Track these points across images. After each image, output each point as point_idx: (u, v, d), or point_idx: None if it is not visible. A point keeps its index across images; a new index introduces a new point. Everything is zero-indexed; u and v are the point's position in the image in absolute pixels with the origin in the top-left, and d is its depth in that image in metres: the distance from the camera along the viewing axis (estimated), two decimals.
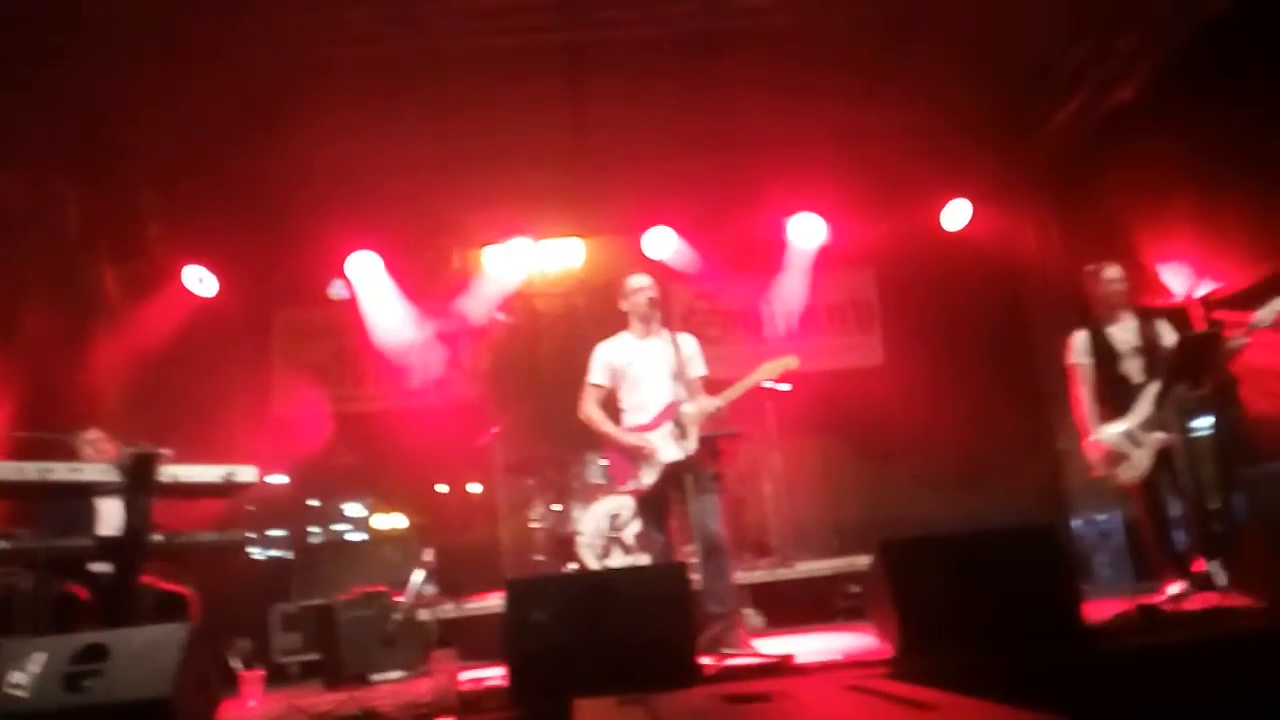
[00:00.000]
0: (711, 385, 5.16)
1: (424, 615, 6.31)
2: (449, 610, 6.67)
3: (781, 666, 4.09)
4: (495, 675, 4.16)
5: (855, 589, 6.86)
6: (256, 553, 7.53)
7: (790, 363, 5.14)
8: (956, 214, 8.36)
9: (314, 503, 7.79)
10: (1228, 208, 6.65)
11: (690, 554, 4.91)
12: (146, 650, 3.48)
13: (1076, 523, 8.19)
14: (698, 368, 5.17)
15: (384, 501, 7.79)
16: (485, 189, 7.96)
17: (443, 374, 8.61)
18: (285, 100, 6.81)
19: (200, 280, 7.94)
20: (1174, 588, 4.97)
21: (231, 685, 5.09)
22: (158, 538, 4.44)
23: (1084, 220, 7.97)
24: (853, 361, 8.86)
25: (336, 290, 8.35)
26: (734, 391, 5.03)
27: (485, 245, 8.48)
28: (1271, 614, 3.88)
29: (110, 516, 4.58)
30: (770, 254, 8.68)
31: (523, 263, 8.43)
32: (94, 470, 4.36)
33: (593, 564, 6.66)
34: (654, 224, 8.30)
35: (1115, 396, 5.39)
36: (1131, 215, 7.49)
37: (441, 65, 6.82)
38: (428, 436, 7.89)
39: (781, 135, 7.69)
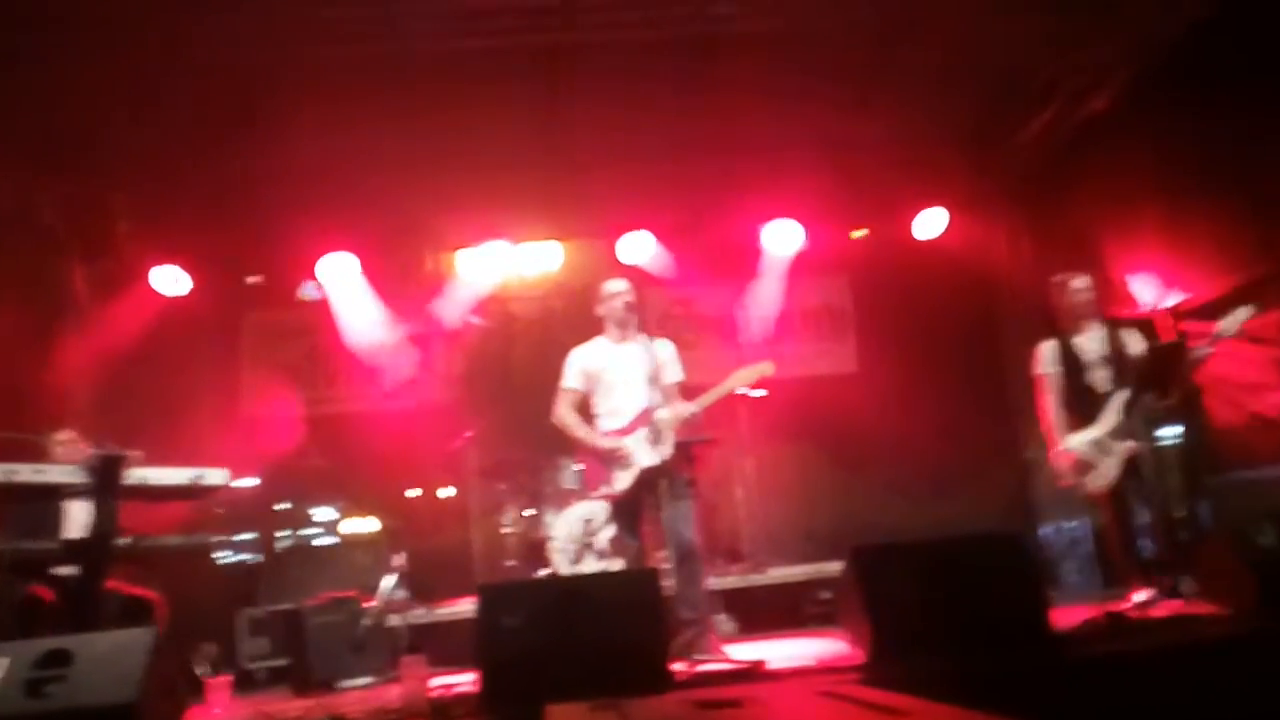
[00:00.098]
0: (686, 390, 5.17)
1: (394, 620, 6.26)
2: (420, 615, 6.63)
3: (753, 672, 4.09)
4: (466, 681, 4.13)
5: (827, 595, 6.88)
6: (223, 556, 7.48)
7: (765, 369, 5.16)
8: (930, 223, 8.42)
9: (283, 506, 7.71)
10: (1196, 220, 6.74)
11: (663, 559, 4.91)
12: (111, 655, 3.42)
13: (1044, 530, 8.27)
14: (673, 373, 5.17)
15: (354, 505, 7.73)
16: (461, 191, 7.93)
17: (416, 377, 8.57)
18: (259, 100, 6.75)
19: (171, 280, 7.85)
20: (1140, 595, 5.02)
21: (198, 691, 5.03)
22: (124, 540, 4.38)
23: (1055, 230, 8.06)
24: (826, 368, 8.90)
25: (308, 291, 8.29)
26: (709, 397, 5.04)
27: (460, 248, 8.44)
28: (1236, 621, 3.93)
29: (78, 519, 4.51)
30: (746, 260, 8.71)
31: (498, 266, 8.39)
32: (60, 472, 4.29)
33: (565, 569, 6.64)
34: (630, 228, 8.30)
35: (1082, 406, 5.44)
36: (1101, 226, 7.59)
37: (417, 66, 6.78)
38: (400, 440, 7.85)
39: (757, 141, 7.72)
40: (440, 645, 5.89)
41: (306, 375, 8.46)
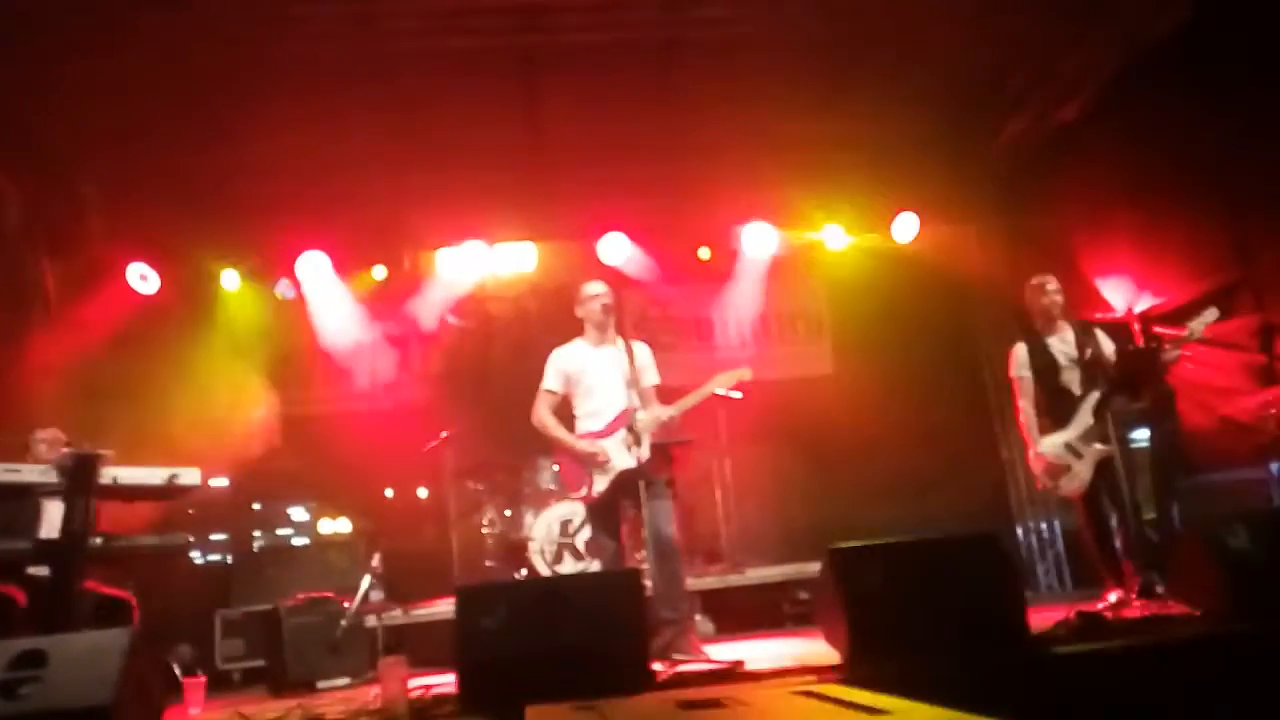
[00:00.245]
0: (663, 393, 5.18)
1: (371, 621, 6.23)
2: (397, 616, 6.60)
3: (733, 672, 4.11)
4: (445, 682, 4.12)
5: (804, 595, 6.93)
6: (197, 557, 7.42)
7: (743, 374, 5.17)
8: (905, 227, 8.48)
9: (257, 506, 7.66)
10: (1168, 225, 6.85)
11: (641, 560, 4.92)
12: (87, 656, 3.38)
13: (1019, 531, 8.36)
14: (651, 376, 5.19)
15: (330, 506, 7.69)
16: (438, 191, 7.91)
17: (392, 377, 8.53)
18: (235, 97, 6.72)
19: (142, 277, 7.77)
20: (1114, 595, 5.09)
21: (175, 692, 4.99)
22: (97, 540, 4.34)
23: (1028, 235, 8.14)
24: (803, 371, 8.95)
25: (283, 290, 8.22)
26: (688, 401, 5.05)
27: (438, 248, 8.41)
28: (1208, 621, 3.99)
29: (56, 518, 4.46)
30: (723, 262, 8.74)
31: (475, 266, 8.38)
32: (32, 471, 4.24)
33: (544, 570, 6.64)
34: (608, 230, 8.30)
35: (1055, 408, 5.48)
36: (1074, 231, 7.68)
37: (396, 65, 6.77)
38: (376, 440, 7.80)
39: (735, 144, 7.74)
40: (418, 646, 5.88)
41: (281, 375, 8.39)
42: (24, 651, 3.37)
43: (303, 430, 8.11)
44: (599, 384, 5.07)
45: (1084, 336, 5.54)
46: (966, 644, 3.67)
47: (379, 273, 8.38)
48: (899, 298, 8.45)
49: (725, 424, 7.74)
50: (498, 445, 7.47)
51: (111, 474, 4.26)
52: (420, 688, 4.09)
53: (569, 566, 6.66)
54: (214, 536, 7.67)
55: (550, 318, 7.53)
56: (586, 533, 6.56)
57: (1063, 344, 5.56)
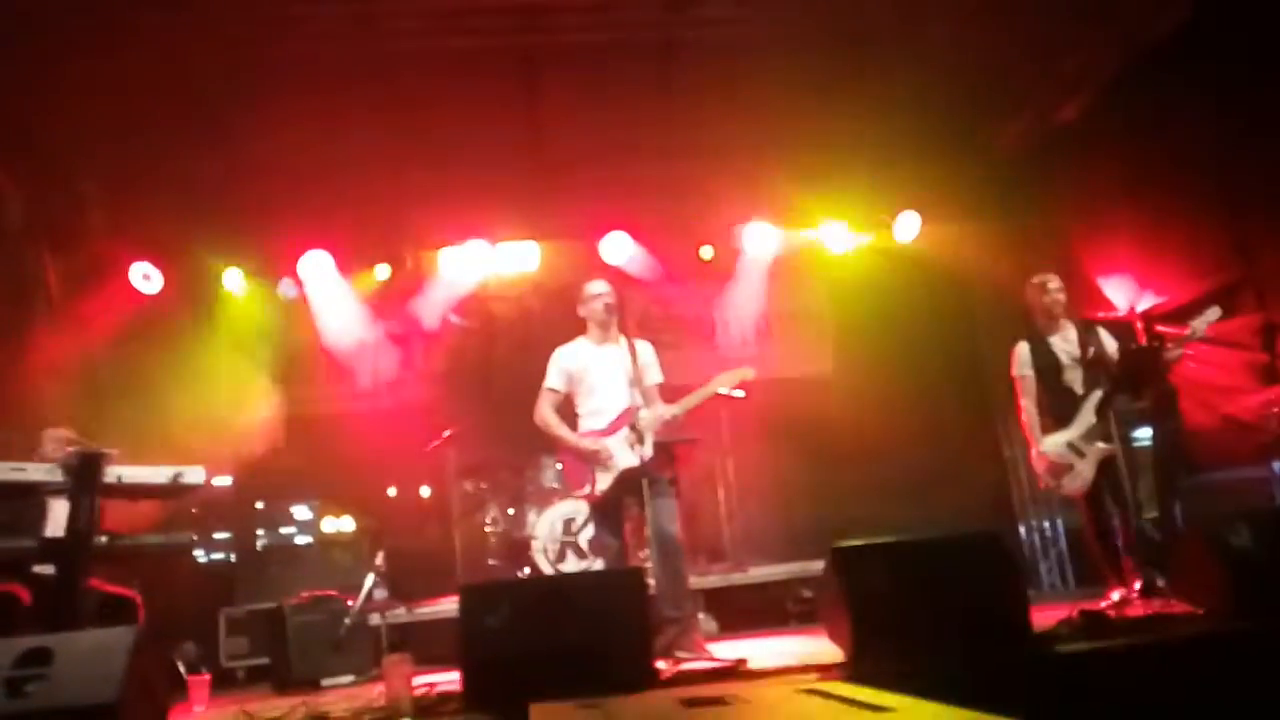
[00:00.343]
0: (666, 392, 5.19)
1: (375, 620, 6.24)
2: (401, 615, 6.62)
3: (736, 670, 4.12)
4: (449, 680, 4.13)
5: (807, 594, 6.94)
6: (200, 555, 7.43)
7: (746, 374, 5.18)
8: (907, 226, 8.48)
9: (260, 505, 7.68)
10: (1169, 224, 6.85)
11: (644, 559, 4.93)
12: (92, 654, 3.39)
13: (1022, 529, 8.36)
14: (654, 374, 5.19)
15: (333, 505, 7.70)
16: (441, 191, 7.91)
17: (395, 376, 8.54)
18: (237, 96, 6.74)
19: (145, 276, 7.78)
20: (1116, 594, 5.09)
21: (179, 690, 5.01)
22: (101, 539, 4.35)
23: (1030, 234, 8.14)
24: (805, 370, 8.95)
25: (286, 289, 8.23)
26: (691, 400, 5.06)
27: (440, 247, 8.42)
28: (1210, 620, 3.99)
29: (61, 517, 4.47)
30: (725, 261, 8.74)
31: (478, 265, 8.38)
32: (38, 470, 4.26)
33: (547, 569, 6.66)
34: (610, 229, 8.31)
35: (1058, 407, 5.48)
36: (1076, 230, 7.68)
37: (397, 65, 6.78)
38: (379, 439, 7.82)
39: (737, 143, 7.74)
40: (421, 645, 5.89)
41: (284, 374, 8.39)
42: (30, 649, 3.38)
43: (306, 429, 8.11)
44: (602, 383, 5.08)
45: (1086, 335, 5.53)
46: (969, 642, 3.68)
47: (382, 272, 8.38)
48: (901, 297, 8.45)
49: (728, 423, 7.75)
50: (500, 444, 7.48)
51: (116, 473, 4.27)
52: (424, 685, 4.10)
53: (572, 565, 6.68)
54: (217, 535, 7.68)
55: (553, 317, 7.54)
56: (589, 531, 6.57)
57: (1065, 343, 5.55)
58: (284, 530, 7.61)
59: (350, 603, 6.07)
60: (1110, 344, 5.52)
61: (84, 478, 4.18)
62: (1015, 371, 5.65)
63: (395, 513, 8.08)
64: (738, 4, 6.61)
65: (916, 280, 8.46)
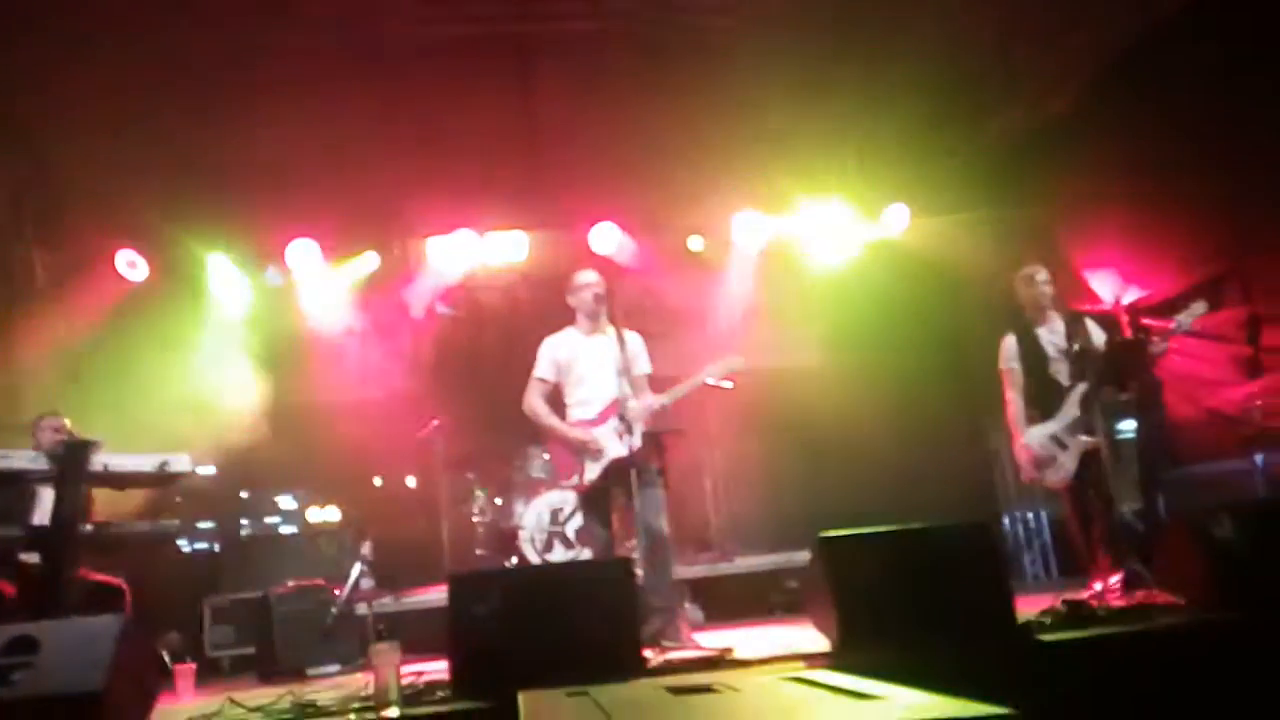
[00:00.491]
0: (655, 382, 5.20)
1: (362, 609, 6.24)
2: (388, 604, 6.62)
3: (722, 659, 4.14)
4: (436, 669, 4.14)
5: (792, 584, 6.97)
6: (183, 545, 7.41)
7: (736, 363, 5.20)
8: (896, 217, 8.49)
9: (244, 494, 7.65)
10: (1156, 218, 6.88)
11: (631, 549, 4.94)
12: (78, 642, 3.38)
13: (1006, 520, 8.41)
14: (643, 365, 5.20)
15: (319, 494, 7.69)
16: (429, 180, 7.87)
17: (382, 366, 8.51)
18: (225, 84, 6.69)
19: (130, 264, 7.73)
20: (1099, 584, 5.13)
21: (167, 679, 5.00)
22: (88, 527, 4.34)
23: (1018, 226, 8.17)
24: (793, 361, 8.95)
25: (272, 277, 8.19)
26: (680, 390, 5.07)
27: (428, 236, 8.39)
28: (1193, 610, 4.03)
29: (50, 506, 4.46)
30: (715, 252, 8.73)
31: (466, 255, 8.36)
32: (22, 458, 4.25)
33: (534, 559, 6.67)
34: (599, 219, 8.28)
35: (1043, 399, 5.50)
36: (1064, 222, 7.71)
37: (388, 53, 6.75)
38: (365, 429, 7.79)
39: (727, 134, 7.73)
40: (408, 634, 5.88)
41: (270, 363, 8.35)
42: (15, 637, 3.37)
43: (291, 418, 8.07)
44: (590, 372, 5.08)
45: (1074, 327, 5.54)
46: (954, 631, 3.70)
47: (369, 261, 8.35)
48: (889, 288, 8.47)
49: (716, 413, 7.76)
50: (488, 434, 7.48)
51: (102, 461, 4.26)
52: (412, 674, 4.10)
53: (559, 555, 6.69)
54: (202, 524, 7.65)
55: (541, 307, 7.53)
56: (577, 521, 6.58)
57: (1052, 335, 5.57)
58: (269, 520, 7.59)
59: (337, 592, 6.07)
60: (1098, 336, 5.53)
61: (70, 466, 4.17)
62: (1002, 364, 5.67)
63: (381, 502, 8.07)
64: None
65: (904, 272, 8.47)
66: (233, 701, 3.99)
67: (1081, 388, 5.36)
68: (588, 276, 5.22)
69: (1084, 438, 5.29)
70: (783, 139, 7.76)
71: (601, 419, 4.99)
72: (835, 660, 3.74)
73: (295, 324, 8.23)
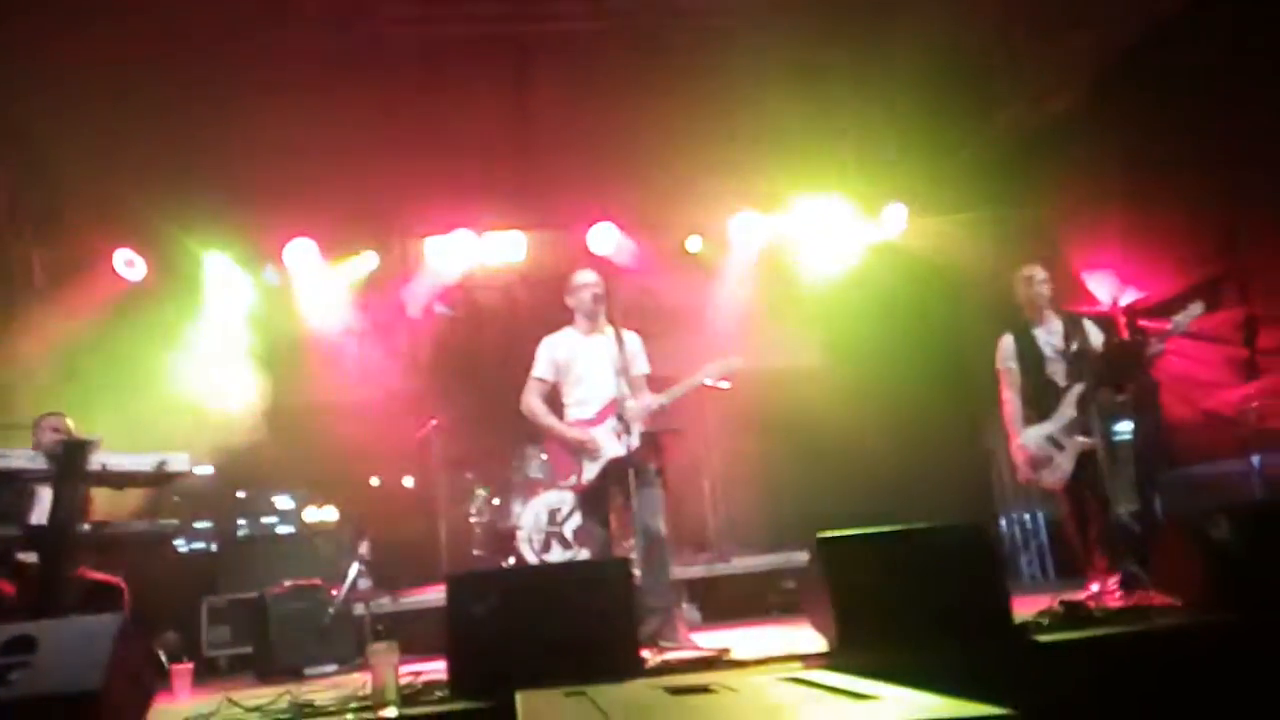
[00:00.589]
0: (653, 382, 5.20)
1: (359, 609, 6.24)
2: (385, 604, 6.61)
3: (720, 660, 4.14)
4: (434, 669, 4.14)
5: (790, 584, 6.98)
6: (180, 545, 7.40)
7: (734, 363, 5.20)
8: (894, 218, 8.50)
9: (241, 494, 7.64)
10: (1154, 218, 6.88)
11: (629, 549, 4.94)
12: (76, 642, 3.38)
13: (1003, 521, 8.42)
14: (641, 365, 5.20)
15: (316, 494, 7.68)
16: (428, 180, 7.88)
17: (380, 365, 8.51)
18: (223, 83, 6.69)
19: (128, 264, 7.72)
20: (1096, 585, 5.13)
21: (164, 678, 5.00)
22: (86, 526, 4.34)
23: (1016, 226, 8.18)
24: (791, 361, 8.96)
25: (270, 276, 8.18)
26: (678, 390, 5.07)
27: (426, 236, 8.39)
28: (1188, 611, 4.04)
29: (49, 504, 4.46)
30: (713, 252, 8.74)
31: (464, 255, 8.35)
32: (20, 457, 4.24)
33: (532, 559, 6.67)
34: (598, 219, 8.28)
35: (1041, 399, 5.50)
36: (1062, 223, 7.72)
37: (386, 53, 6.74)
38: (363, 429, 7.79)
39: (726, 134, 7.73)
40: (406, 634, 5.89)
41: (268, 363, 8.34)
42: (13, 637, 3.36)
43: (289, 418, 8.07)
44: (589, 372, 5.08)
45: (1071, 328, 5.55)
46: (951, 632, 3.71)
47: (367, 261, 8.35)
48: (887, 289, 8.48)
49: (714, 413, 7.76)
50: (486, 434, 7.48)
51: (100, 460, 4.25)
52: (410, 674, 4.10)
53: (557, 555, 6.69)
54: (199, 524, 7.65)
55: (539, 307, 7.53)
56: (575, 521, 6.58)
57: (1049, 335, 5.58)
58: (266, 519, 7.58)
59: (334, 592, 6.07)
60: (1096, 337, 5.54)
61: (67, 465, 4.17)
62: (999, 364, 5.67)
63: (379, 502, 8.06)
64: None
65: (903, 272, 8.48)
66: (230, 701, 3.99)
67: (1078, 388, 5.37)
68: (586, 276, 5.22)
69: (1081, 438, 5.29)
70: (781, 137, 7.76)
71: (599, 419, 4.99)
72: (833, 660, 3.75)
73: (293, 324, 8.22)
